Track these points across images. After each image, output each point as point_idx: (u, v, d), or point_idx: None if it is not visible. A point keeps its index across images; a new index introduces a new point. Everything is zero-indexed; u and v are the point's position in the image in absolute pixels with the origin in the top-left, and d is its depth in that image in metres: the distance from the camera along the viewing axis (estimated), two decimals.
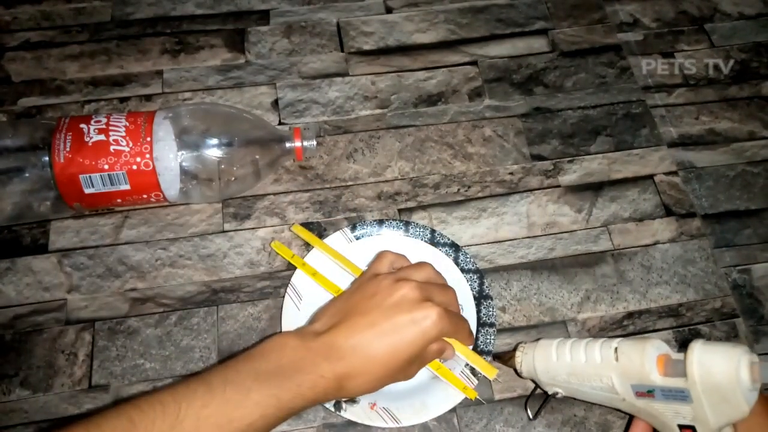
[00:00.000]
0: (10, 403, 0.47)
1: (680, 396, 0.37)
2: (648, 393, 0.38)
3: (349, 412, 0.46)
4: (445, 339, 0.45)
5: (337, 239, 0.53)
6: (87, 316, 0.51)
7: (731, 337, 0.52)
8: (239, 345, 0.50)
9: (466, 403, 0.48)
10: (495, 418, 0.48)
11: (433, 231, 0.54)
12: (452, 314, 0.43)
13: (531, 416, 0.47)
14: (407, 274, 0.44)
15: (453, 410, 0.48)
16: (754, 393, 0.35)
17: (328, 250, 0.52)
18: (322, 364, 0.38)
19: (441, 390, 0.47)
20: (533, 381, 0.46)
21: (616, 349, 0.40)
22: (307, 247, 0.53)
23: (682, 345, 0.37)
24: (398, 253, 0.47)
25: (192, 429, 0.34)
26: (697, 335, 0.52)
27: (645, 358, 0.38)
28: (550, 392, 0.45)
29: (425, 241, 0.53)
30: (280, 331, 0.49)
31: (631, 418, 0.44)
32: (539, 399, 0.47)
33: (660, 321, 0.53)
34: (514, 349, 0.47)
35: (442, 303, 0.42)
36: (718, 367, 0.35)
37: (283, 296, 0.51)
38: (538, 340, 0.46)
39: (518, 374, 0.47)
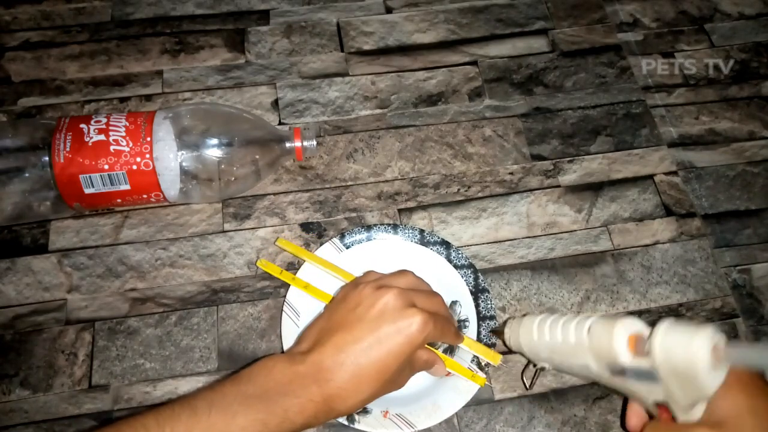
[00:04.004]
0: (10, 403, 0.47)
1: (649, 375, 0.36)
2: (621, 372, 0.38)
3: (363, 423, 0.45)
4: (437, 354, 0.46)
5: (327, 250, 0.52)
6: (87, 316, 0.51)
7: (731, 337, 0.52)
8: (239, 345, 0.50)
9: (467, 403, 0.48)
10: (495, 418, 0.48)
11: (422, 231, 0.54)
12: (437, 317, 0.42)
13: (527, 386, 0.48)
14: (388, 281, 0.43)
15: None
16: (719, 374, 0.34)
17: (317, 260, 0.51)
18: (310, 387, 0.37)
19: (451, 388, 0.47)
20: (522, 355, 0.46)
21: (589, 329, 0.39)
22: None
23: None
24: (383, 273, 0.46)
25: None
26: None
27: (614, 339, 0.37)
28: (538, 366, 0.45)
29: (415, 242, 0.53)
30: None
31: (626, 400, 0.44)
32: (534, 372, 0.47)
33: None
34: (504, 323, 0.47)
35: (426, 307, 0.42)
36: (678, 350, 0.34)
37: (284, 296, 0.51)
38: (524, 315, 0.46)
39: (509, 350, 0.47)
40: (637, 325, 0.38)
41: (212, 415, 0.35)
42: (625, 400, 0.45)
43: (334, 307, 0.43)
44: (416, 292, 0.43)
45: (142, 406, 0.47)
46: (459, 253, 0.53)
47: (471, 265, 0.52)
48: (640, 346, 0.37)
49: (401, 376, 0.41)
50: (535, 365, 0.45)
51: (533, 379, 0.47)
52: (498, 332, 0.48)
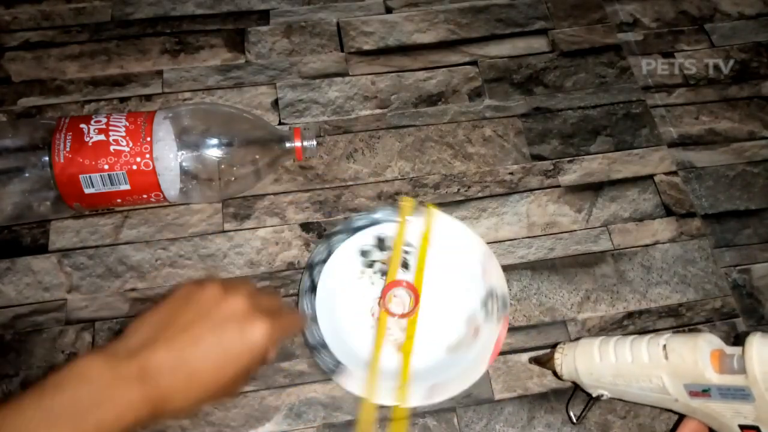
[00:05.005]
0: None
1: (740, 395, 0.34)
2: (703, 392, 0.36)
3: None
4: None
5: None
6: (87, 316, 0.51)
7: (731, 337, 0.52)
8: None
9: (466, 403, 0.48)
10: (495, 418, 0.48)
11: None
12: (280, 323, 0.39)
13: (575, 420, 0.45)
14: (233, 285, 0.39)
15: (453, 410, 0.48)
16: None
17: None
18: (132, 390, 0.33)
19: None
20: (574, 383, 0.44)
21: (664, 346, 0.37)
22: None
23: (737, 338, 0.35)
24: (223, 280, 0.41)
25: None
26: None
27: (698, 354, 0.35)
28: (594, 394, 0.42)
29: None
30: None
31: (681, 417, 0.41)
32: (582, 400, 0.45)
33: (660, 321, 0.53)
34: (553, 351, 0.45)
35: (270, 314, 0.38)
36: None
37: (283, 297, 0.51)
38: (577, 339, 0.44)
39: (558, 377, 0.44)
40: (718, 341, 0.36)
41: None
42: (680, 418, 0.42)
43: (173, 302, 0.38)
44: (260, 298, 0.40)
45: None
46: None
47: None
48: (725, 363, 0.35)
49: (237, 383, 0.38)
50: (588, 394, 0.42)
51: (585, 410, 0.43)
52: (543, 360, 0.45)
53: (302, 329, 0.46)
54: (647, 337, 0.39)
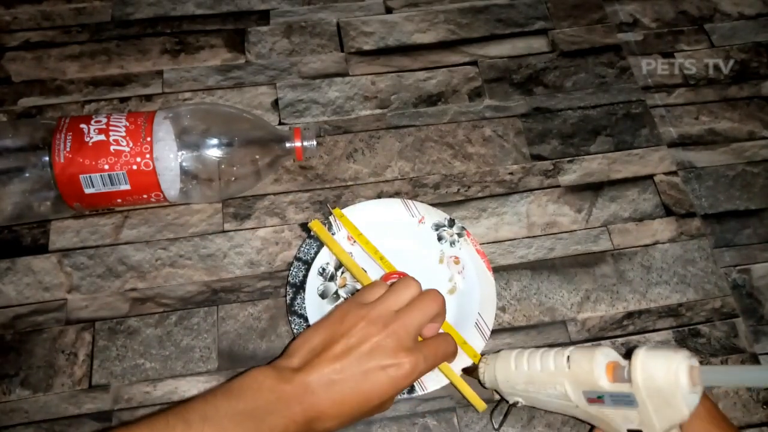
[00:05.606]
0: (11, 402, 0.47)
1: (627, 401, 0.38)
2: (598, 399, 0.40)
3: None
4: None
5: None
6: (87, 316, 0.51)
7: (731, 337, 0.52)
8: (239, 345, 0.50)
9: (466, 403, 0.48)
10: (495, 417, 0.48)
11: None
12: (429, 354, 0.42)
13: (495, 427, 0.48)
14: (388, 304, 0.42)
15: (453, 410, 0.48)
16: (695, 396, 0.37)
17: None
18: (295, 407, 0.38)
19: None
20: (496, 392, 0.47)
21: (568, 357, 0.42)
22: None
23: (629, 353, 0.39)
24: (393, 283, 0.44)
25: None
26: (697, 335, 0.52)
27: (594, 365, 0.40)
28: (510, 401, 0.45)
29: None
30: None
31: (591, 429, 0.45)
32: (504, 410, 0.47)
33: (660, 321, 0.53)
34: (479, 361, 0.47)
35: (420, 346, 0.42)
36: (659, 371, 0.37)
37: (284, 296, 0.51)
38: (499, 351, 0.46)
39: (482, 386, 0.47)
40: (614, 354, 0.41)
41: (205, 430, 0.36)
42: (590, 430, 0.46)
43: (331, 324, 0.42)
44: (412, 325, 0.42)
45: (142, 406, 0.48)
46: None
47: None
48: (617, 373, 0.39)
49: (384, 405, 0.42)
50: (507, 402, 0.46)
51: (504, 417, 0.47)
52: (470, 370, 0.48)
53: (453, 358, 0.47)
54: (555, 349, 0.43)
